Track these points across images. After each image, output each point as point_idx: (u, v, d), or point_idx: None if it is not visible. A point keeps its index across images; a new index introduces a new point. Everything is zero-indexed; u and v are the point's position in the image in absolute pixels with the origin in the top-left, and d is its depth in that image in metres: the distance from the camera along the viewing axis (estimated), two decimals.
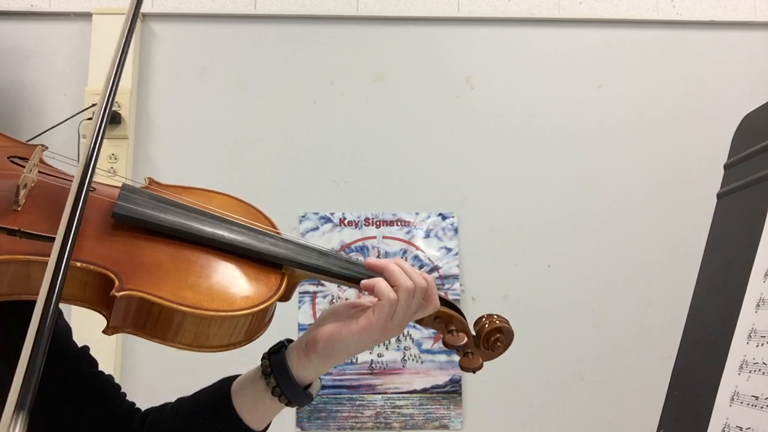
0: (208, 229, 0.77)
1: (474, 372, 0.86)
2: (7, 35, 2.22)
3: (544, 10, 2.31)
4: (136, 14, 0.74)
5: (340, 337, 0.78)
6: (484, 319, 0.87)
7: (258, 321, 0.75)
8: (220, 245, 0.76)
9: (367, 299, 0.81)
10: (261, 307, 0.73)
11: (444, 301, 0.86)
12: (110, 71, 0.69)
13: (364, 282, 0.79)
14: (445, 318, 0.86)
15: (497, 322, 0.86)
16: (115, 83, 0.69)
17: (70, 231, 0.57)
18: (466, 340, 0.85)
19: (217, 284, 0.74)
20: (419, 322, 0.85)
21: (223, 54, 2.26)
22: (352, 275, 0.81)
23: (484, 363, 0.86)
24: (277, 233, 0.83)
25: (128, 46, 0.72)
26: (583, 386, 2.12)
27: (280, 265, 0.78)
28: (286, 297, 0.79)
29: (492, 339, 0.85)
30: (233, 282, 0.75)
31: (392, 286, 0.77)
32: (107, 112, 0.67)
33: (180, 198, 0.82)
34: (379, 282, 0.77)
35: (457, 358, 0.88)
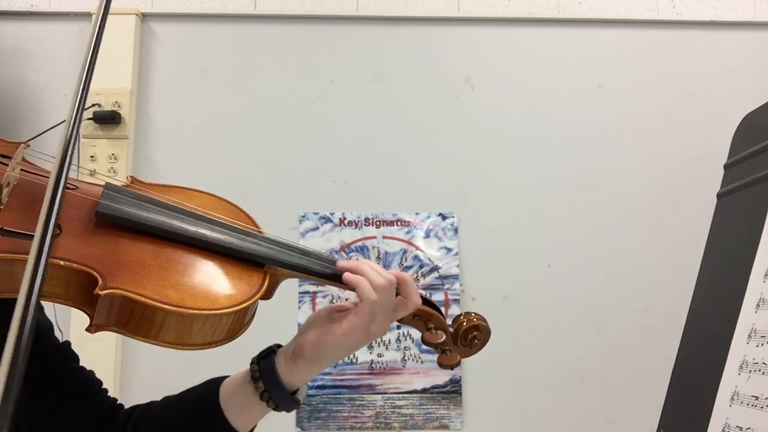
0: (191, 228, 0.78)
1: (452, 368, 0.88)
2: (7, 35, 2.22)
3: (544, 10, 2.31)
4: (105, 13, 0.75)
5: (326, 342, 0.79)
6: (461, 318, 0.89)
7: (239, 319, 0.76)
8: (203, 244, 0.77)
9: (349, 302, 0.82)
10: (244, 305, 0.74)
11: (423, 300, 0.87)
12: (83, 66, 0.70)
13: (346, 276, 0.80)
14: (424, 316, 0.87)
15: (474, 320, 0.88)
16: (88, 78, 0.69)
17: (47, 227, 0.56)
18: (444, 337, 0.86)
19: (200, 283, 0.74)
20: (399, 320, 0.86)
21: (223, 54, 2.26)
22: (334, 273, 0.82)
23: (462, 360, 0.88)
24: (260, 232, 0.84)
25: (99, 45, 0.72)
26: (583, 386, 2.12)
27: (262, 264, 0.79)
28: (268, 295, 0.80)
29: (469, 336, 0.88)
30: (216, 281, 0.75)
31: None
32: (81, 106, 0.67)
33: (163, 197, 0.82)
34: (362, 282, 0.79)
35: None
